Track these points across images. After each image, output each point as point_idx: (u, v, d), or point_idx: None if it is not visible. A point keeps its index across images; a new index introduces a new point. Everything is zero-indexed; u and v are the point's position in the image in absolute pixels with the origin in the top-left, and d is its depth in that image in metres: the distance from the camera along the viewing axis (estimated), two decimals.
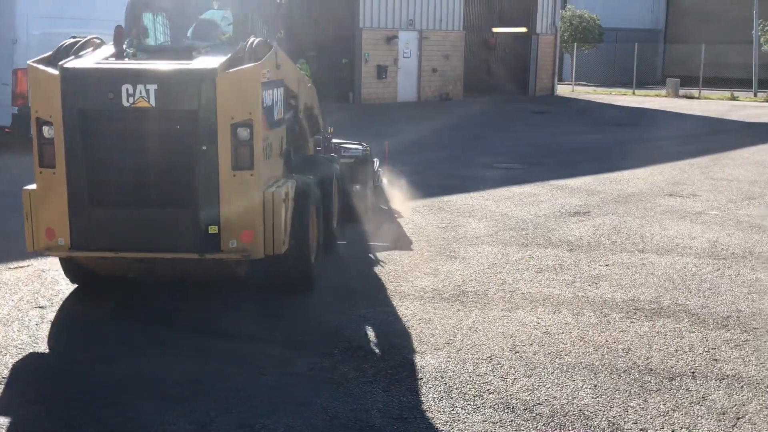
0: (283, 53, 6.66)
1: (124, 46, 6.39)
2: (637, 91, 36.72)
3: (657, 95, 35.39)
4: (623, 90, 38.13)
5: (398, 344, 5.57)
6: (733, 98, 33.49)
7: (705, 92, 35.10)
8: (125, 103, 5.57)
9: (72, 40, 6.20)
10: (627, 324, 6.02)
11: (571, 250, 8.30)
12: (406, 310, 6.32)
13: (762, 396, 4.81)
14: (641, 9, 53.61)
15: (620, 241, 8.69)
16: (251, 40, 6.09)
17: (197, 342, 5.65)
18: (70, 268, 6.51)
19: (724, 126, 22.92)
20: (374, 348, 5.52)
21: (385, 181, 10.29)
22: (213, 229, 5.70)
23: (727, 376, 5.09)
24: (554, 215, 10.00)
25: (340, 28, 27.13)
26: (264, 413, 4.50)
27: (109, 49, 6.35)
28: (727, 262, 7.84)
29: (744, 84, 38.23)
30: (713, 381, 5.00)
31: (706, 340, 5.69)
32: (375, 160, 9.90)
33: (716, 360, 5.34)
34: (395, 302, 6.51)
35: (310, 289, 6.61)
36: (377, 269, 7.48)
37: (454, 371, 5.10)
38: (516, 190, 11.61)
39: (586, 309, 6.36)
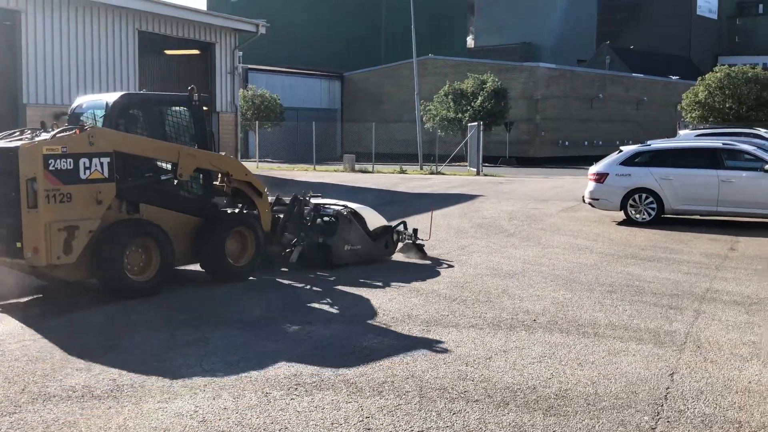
0: (111, 133, 9.33)
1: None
2: (317, 167, 38.39)
3: (336, 170, 37.28)
4: (305, 166, 39.68)
5: None
6: (402, 171, 36.38)
7: (378, 166, 37.74)
8: None
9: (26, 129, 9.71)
10: (287, 401, 5.92)
11: (241, 328, 8.12)
12: (48, 414, 5.64)
13: None
14: (318, 90, 56.91)
15: (291, 315, 8.70)
16: (59, 128, 9.16)
17: None
18: None
19: (395, 197, 24.64)
20: None
21: (421, 240, 12.75)
22: (18, 245, 8.75)
23: None
24: (224, 292, 9.79)
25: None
26: None
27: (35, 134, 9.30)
28: (389, 326, 8.17)
29: (411, 158, 41.88)
30: None
31: (362, 409, 5.76)
32: (403, 221, 12.91)
33: (369, 429, 5.40)
34: (36, 405, 5.78)
35: (127, 297, 9.21)
36: (21, 367, 6.67)
37: None
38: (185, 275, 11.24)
39: (247, 390, 6.16)
